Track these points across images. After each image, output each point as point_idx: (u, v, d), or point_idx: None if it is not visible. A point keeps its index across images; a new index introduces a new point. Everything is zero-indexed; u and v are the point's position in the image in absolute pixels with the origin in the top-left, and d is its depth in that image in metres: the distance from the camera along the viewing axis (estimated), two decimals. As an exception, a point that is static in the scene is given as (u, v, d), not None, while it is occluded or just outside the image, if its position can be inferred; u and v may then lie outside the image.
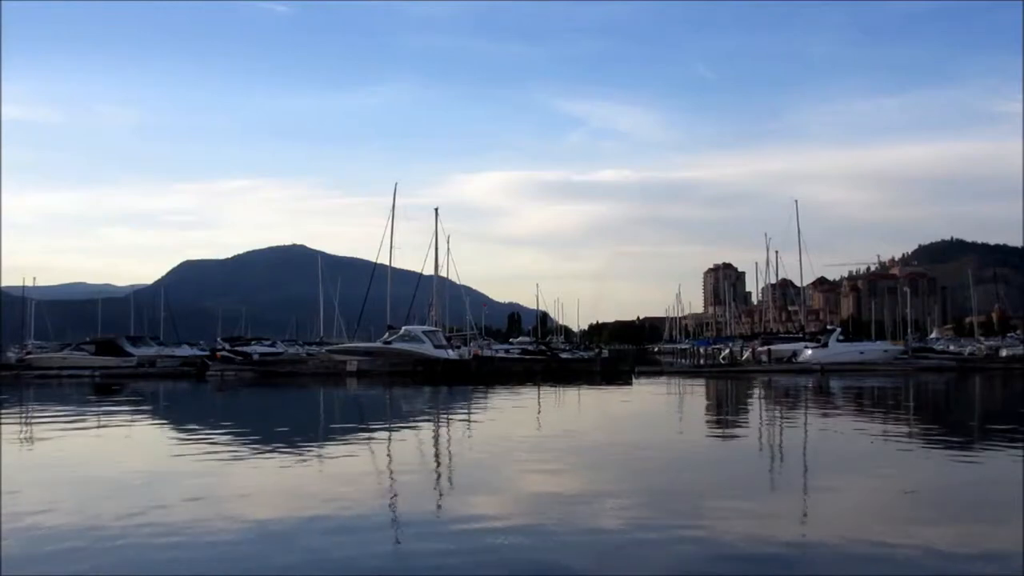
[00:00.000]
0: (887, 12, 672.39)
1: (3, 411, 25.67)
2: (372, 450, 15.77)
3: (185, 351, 58.77)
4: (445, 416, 23.77)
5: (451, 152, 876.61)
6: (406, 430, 19.69)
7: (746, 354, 57.54)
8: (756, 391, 34.54)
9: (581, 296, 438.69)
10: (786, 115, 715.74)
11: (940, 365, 52.46)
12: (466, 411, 25.25)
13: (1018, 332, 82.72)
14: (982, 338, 75.99)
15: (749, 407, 27.85)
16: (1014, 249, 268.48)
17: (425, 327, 51.31)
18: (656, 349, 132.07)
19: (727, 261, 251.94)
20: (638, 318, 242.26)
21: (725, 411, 26.43)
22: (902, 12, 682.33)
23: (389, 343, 48.80)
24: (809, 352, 52.86)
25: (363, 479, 11.95)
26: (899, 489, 10.82)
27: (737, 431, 19.76)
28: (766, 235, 69.86)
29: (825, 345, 53.71)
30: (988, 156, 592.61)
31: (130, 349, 52.55)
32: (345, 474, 12.35)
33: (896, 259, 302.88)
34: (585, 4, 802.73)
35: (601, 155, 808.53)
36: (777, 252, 66.93)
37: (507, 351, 61.62)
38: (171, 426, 21.52)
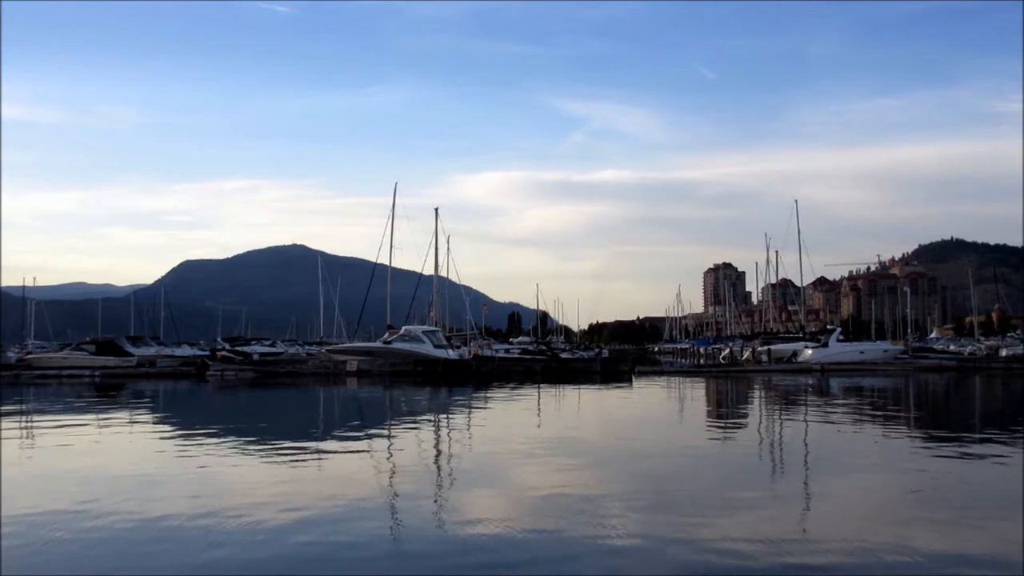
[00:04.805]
0: (887, 12, 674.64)
1: (3, 411, 25.61)
2: (372, 450, 15.73)
3: (185, 351, 58.71)
4: (445, 416, 23.73)
5: (451, 152, 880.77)
6: (406, 430, 19.66)
7: (746, 354, 57.49)
8: (756, 391, 34.49)
9: (581, 296, 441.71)
10: (786, 115, 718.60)
11: (940, 365, 52.45)
12: (466, 411, 25.22)
13: (1018, 332, 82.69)
14: (982, 338, 76.00)
15: (749, 407, 27.81)
16: (1014, 249, 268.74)
17: (425, 327, 51.24)
18: (656, 349, 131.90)
19: (727, 261, 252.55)
20: (638, 318, 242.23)
21: (725, 411, 26.38)
22: (902, 12, 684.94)
23: (389, 343, 48.74)
24: (809, 352, 52.82)
25: (363, 479, 11.93)
26: (904, 488, 10.81)
27: (738, 431, 19.70)
28: (766, 235, 70.19)
29: (825, 345, 53.69)
30: (988, 156, 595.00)
31: (130, 349, 52.45)
32: (345, 474, 12.34)
33: (896, 259, 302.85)
34: (585, 4, 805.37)
35: (601, 155, 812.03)
36: (777, 252, 67.11)
37: (507, 351, 61.50)
38: (171, 426, 21.47)
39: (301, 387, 38.53)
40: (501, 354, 55.92)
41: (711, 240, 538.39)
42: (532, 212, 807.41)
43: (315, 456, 14.54)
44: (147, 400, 31.19)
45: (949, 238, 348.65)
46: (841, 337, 57.06)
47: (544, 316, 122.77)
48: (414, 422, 21.53)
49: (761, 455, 15.03)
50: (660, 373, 51.19)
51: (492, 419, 22.74)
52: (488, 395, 31.32)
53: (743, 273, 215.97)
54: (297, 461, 13.71)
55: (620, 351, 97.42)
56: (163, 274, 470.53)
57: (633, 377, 44.61)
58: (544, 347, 66.77)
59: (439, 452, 15.41)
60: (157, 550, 7.48)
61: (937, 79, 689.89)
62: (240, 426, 20.37)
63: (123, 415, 23.86)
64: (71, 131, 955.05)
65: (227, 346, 61.10)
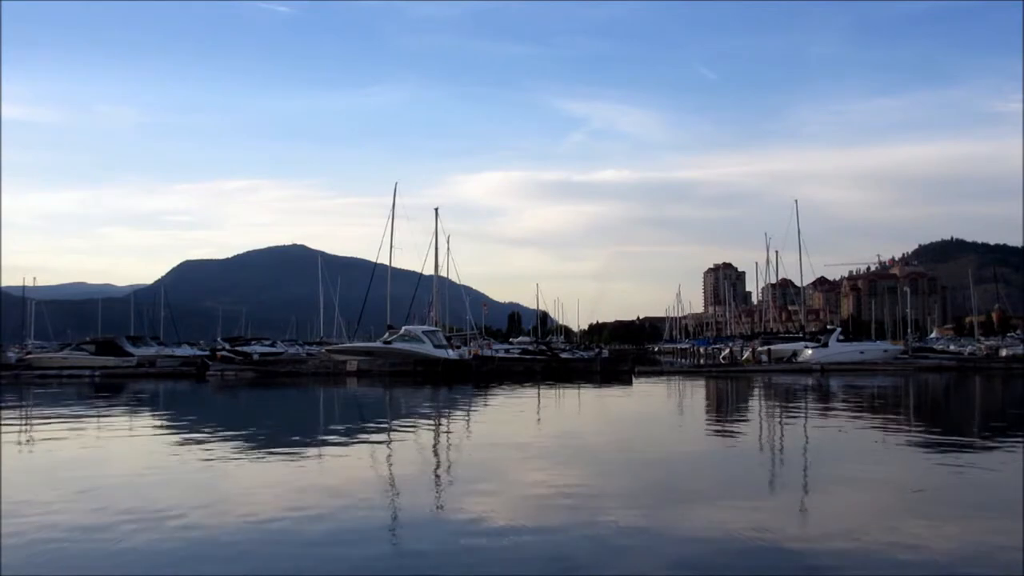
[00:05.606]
0: (887, 12, 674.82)
1: (3, 412, 25.60)
2: (372, 450, 15.73)
3: (185, 351, 58.70)
4: (445, 416, 23.72)
5: (451, 152, 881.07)
6: (406, 430, 19.65)
7: (746, 354, 57.49)
8: (756, 391, 34.49)
9: (581, 296, 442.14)
10: (786, 115, 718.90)
11: (940, 365, 52.45)
12: (466, 411, 25.21)
13: (1018, 332, 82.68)
14: (982, 338, 76.01)
15: (749, 407, 27.80)
16: (1014, 249, 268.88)
17: (425, 327, 51.23)
18: (656, 349, 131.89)
19: (727, 261, 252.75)
20: (638, 318, 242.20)
21: (725, 411, 26.38)
22: (902, 12, 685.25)
23: (389, 343, 48.73)
24: (809, 352, 52.83)
25: (363, 479, 11.93)
26: (905, 488, 10.80)
27: (738, 431, 19.69)
28: (766, 235, 70.26)
29: (825, 345, 53.71)
30: (988, 156, 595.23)
31: (130, 349, 52.44)
32: (345, 474, 12.33)
33: (896, 259, 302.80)
34: (585, 4, 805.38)
35: (601, 155, 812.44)
36: (777, 252, 67.14)
37: (507, 351, 61.50)
38: (172, 427, 21.46)
39: (301, 387, 38.53)
40: (501, 354, 55.91)
41: (711, 240, 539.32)
42: (532, 212, 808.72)
43: (315, 456, 14.53)
44: (147, 400, 31.17)
45: (949, 238, 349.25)
46: (841, 337, 57.07)
47: (544, 316, 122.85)
48: (414, 422, 21.53)
49: (761, 455, 15.02)
50: (660, 373, 51.18)
51: (492, 419, 22.74)
52: (488, 395, 31.32)
53: (743, 273, 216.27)
54: (297, 461, 13.69)
55: (620, 351, 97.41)
56: (163, 274, 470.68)
57: (633, 377, 44.60)
58: (544, 347, 66.77)
59: (439, 452, 15.40)
60: (160, 551, 7.48)
61: (937, 79, 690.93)
62: (241, 427, 20.37)
63: (123, 416, 23.83)
64: (71, 131, 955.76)
65: (227, 346, 61.09)
